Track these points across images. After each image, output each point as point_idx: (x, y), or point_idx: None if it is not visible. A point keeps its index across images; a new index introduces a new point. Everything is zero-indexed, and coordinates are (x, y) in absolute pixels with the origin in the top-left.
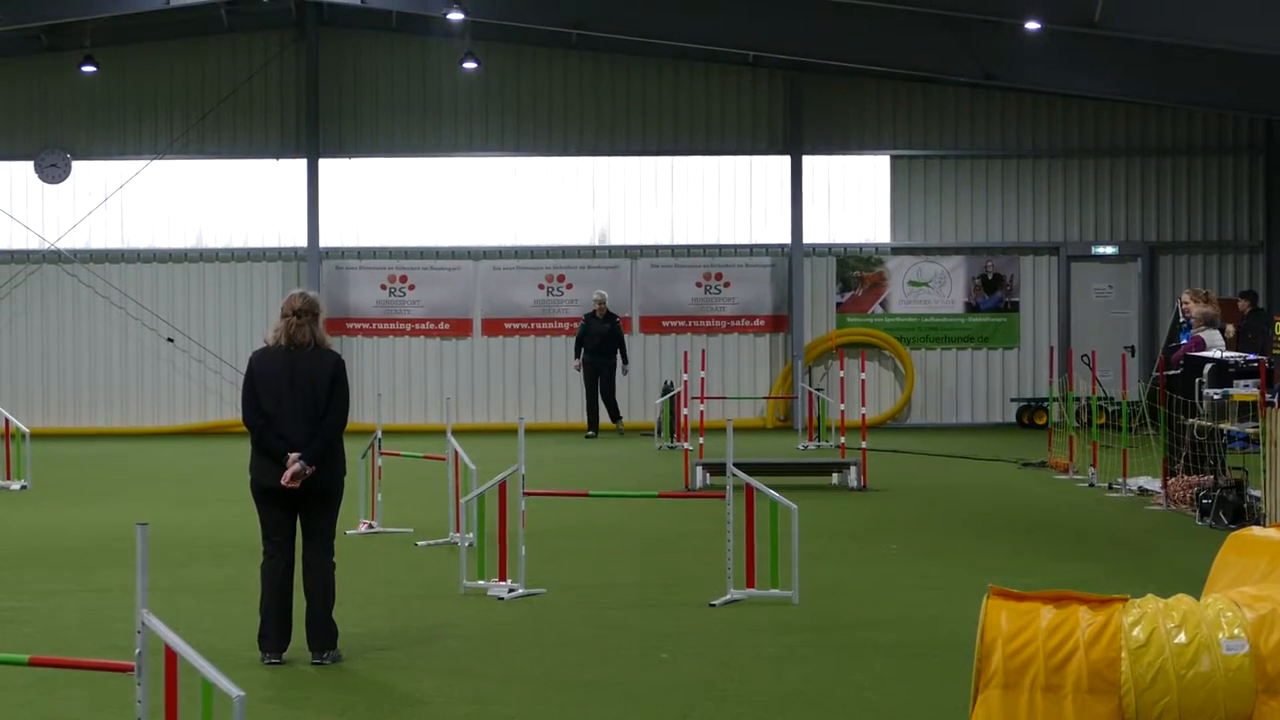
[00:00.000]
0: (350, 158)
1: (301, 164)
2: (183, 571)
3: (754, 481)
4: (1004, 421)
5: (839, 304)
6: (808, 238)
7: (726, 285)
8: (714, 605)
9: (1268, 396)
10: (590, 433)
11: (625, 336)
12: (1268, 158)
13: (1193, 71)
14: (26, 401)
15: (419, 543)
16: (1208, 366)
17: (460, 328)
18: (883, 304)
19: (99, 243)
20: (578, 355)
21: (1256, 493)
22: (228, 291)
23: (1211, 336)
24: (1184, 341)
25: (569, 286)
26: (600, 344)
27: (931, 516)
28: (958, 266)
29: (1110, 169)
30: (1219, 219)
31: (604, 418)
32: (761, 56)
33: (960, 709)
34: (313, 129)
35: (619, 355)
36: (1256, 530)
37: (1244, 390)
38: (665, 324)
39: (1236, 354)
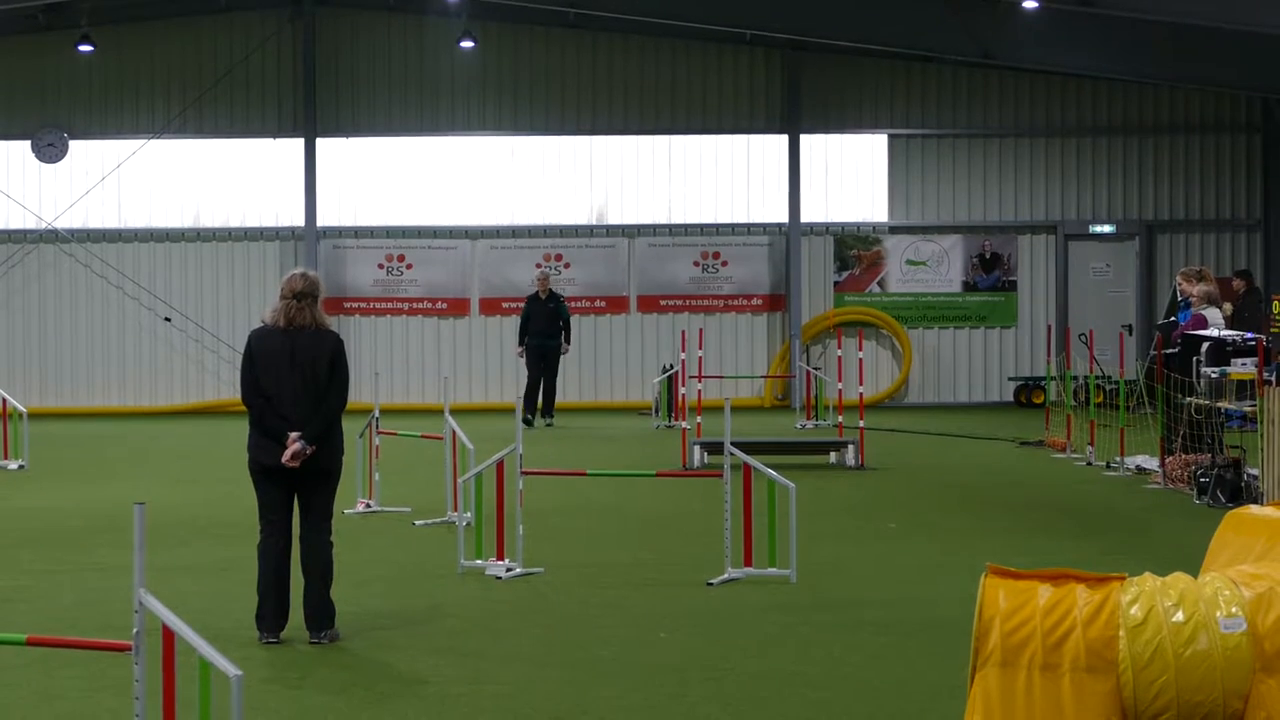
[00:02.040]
0: (348, 137)
1: (299, 143)
2: (181, 551)
3: (752, 460)
4: (1002, 400)
5: (836, 283)
6: (805, 217)
7: (724, 264)
8: (712, 584)
9: (1265, 375)
10: (528, 416)
11: (572, 316)
12: (1265, 136)
13: (1190, 50)
14: (24, 381)
15: (416, 522)
16: (1205, 345)
17: (458, 307)
18: (880, 283)
19: (96, 222)
20: (521, 342)
21: (1254, 471)
22: (225, 271)
23: (1213, 315)
24: (1183, 321)
25: (566, 266)
26: (546, 326)
27: (929, 495)
28: (955, 245)
29: (1108, 148)
30: (1216, 198)
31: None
32: (759, 35)
33: (958, 687)
34: (310, 108)
35: (563, 337)
36: (1254, 509)
37: (1242, 369)
38: (663, 303)
39: (1234, 332)
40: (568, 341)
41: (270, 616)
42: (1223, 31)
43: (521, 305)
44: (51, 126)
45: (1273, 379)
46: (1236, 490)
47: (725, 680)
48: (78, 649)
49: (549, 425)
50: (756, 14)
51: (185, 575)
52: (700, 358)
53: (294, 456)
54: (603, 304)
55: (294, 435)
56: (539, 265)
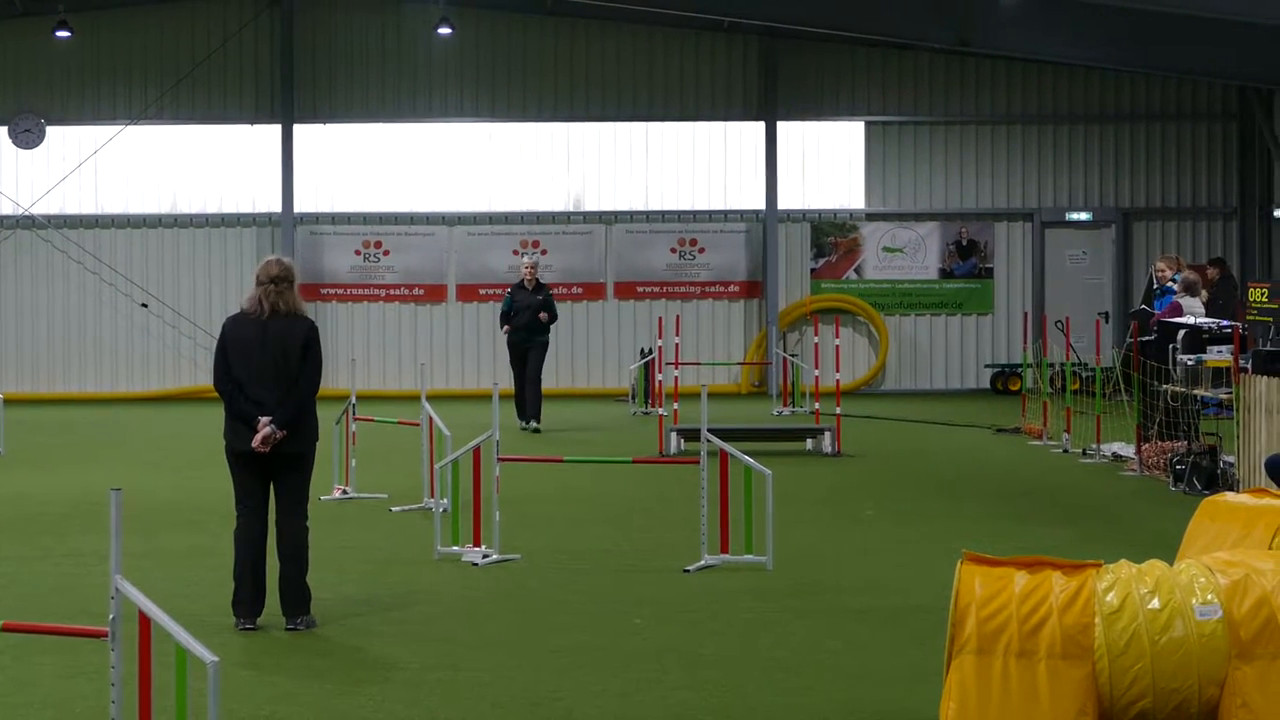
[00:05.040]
0: (325, 123)
1: (276, 129)
2: (157, 537)
3: (728, 447)
4: (978, 387)
5: (813, 270)
6: (782, 204)
7: (701, 251)
8: (688, 571)
9: (1241, 362)
10: (531, 424)
11: (558, 305)
12: (1241, 125)
13: (1167, 38)
14: None
15: (393, 508)
16: (1182, 332)
17: (434, 293)
18: (857, 270)
19: (73, 208)
20: (504, 325)
21: (1230, 458)
22: (202, 257)
23: (1191, 304)
24: (1160, 308)
25: (544, 252)
26: (531, 319)
27: (905, 482)
28: (932, 232)
29: (1084, 135)
30: (1192, 185)
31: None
32: (736, 22)
33: (934, 674)
34: (287, 94)
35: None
36: (1230, 496)
37: (1217, 356)
38: (640, 290)
39: (1210, 320)
40: (553, 319)
41: (246, 602)
42: (1200, 20)
43: (498, 292)
44: (28, 112)
45: (1248, 366)
46: (1212, 477)
47: (702, 667)
48: (54, 635)
49: (535, 431)
50: (734, 1)
51: (161, 561)
52: (677, 344)
53: (264, 441)
54: (579, 290)
55: (264, 419)
56: (517, 251)
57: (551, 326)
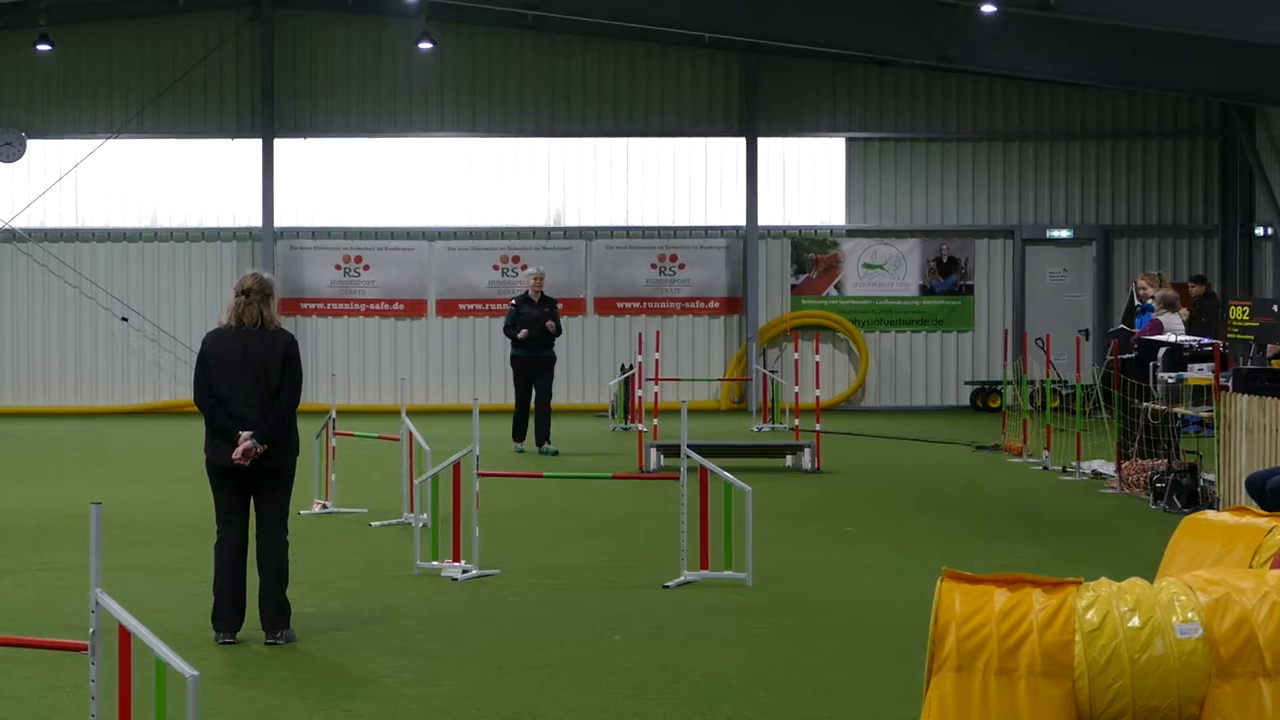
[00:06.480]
0: (305, 138)
1: (256, 144)
2: (137, 551)
3: (708, 463)
4: (958, 404)
5: (794, 286)
6: (763, 220)
7: (681, 267)
8: (668, 587)
9: (1221, 380)
10: (519, 446)
11: (564, 320)
12: (1222, 142)
13: (1148, 55)
14: None
15: (373, 523)
16: (1162, 350)
17: (415, 308)
18: (837, 286)
19: (54, 222)
20: (508, 331)
21: (1210, 476)
22: (182, 271)
23: (1170, 321)
24: (1141, 325)
25: (524, 267)
26: (541, 332)
27: (885, 499)
28: (912, 249)
29: (1065, 152)
30: (1174, 203)
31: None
32: (717, 38)
33: (914, 691)
34: (268, 108)
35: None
36: (1210, 514)
37: (1198, 374)
38: (620, 305)
39: (1191, 338)
40: (558, 332)
41: (226, 617)
42: (1181, 37)
43: (478, 307)
44: (9, 126)
45: (1229, 384)
46: (1193, 495)
47: (681, 683)
48: (34, 649)
49: (554, 454)
50: (715, 17)
51: (142, 575)
52: (657, 360)
53: (244, 454)
54: (560, 306)
55: (245, 434)
56: (497, 267)
57: (556, 341)
